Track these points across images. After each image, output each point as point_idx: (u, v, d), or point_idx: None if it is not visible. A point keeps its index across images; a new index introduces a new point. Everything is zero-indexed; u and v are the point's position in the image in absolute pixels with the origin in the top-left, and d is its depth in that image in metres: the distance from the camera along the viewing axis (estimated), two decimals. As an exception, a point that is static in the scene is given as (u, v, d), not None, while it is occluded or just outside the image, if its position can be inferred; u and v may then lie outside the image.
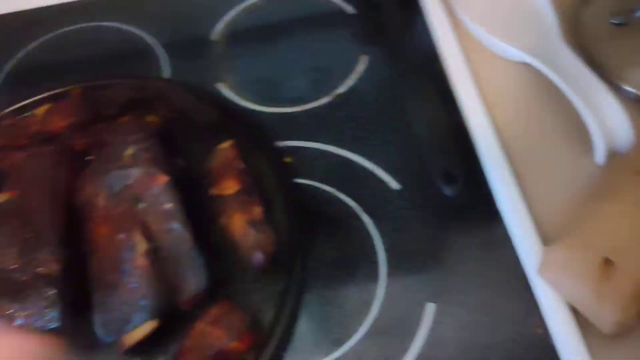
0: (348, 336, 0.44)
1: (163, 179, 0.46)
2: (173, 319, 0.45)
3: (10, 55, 0.64)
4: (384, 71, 0.58)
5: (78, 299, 0.44)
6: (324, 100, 0.57)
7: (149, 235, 0.45)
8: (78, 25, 0.66)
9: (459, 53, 0.56)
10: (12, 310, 0.42)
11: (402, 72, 0.56)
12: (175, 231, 0.45)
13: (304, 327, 0.45)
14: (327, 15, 0.63)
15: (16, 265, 0.44)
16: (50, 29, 0.66)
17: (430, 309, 0.45)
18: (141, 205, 0.46)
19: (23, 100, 0.57)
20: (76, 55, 0.64)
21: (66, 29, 0.66)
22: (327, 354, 0.44)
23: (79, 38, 0.65)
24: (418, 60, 0.56)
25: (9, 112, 0.57)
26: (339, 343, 0.44)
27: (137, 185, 0.47)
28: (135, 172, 0.47)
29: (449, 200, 0.49)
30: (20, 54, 0.64)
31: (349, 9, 0.64)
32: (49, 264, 0.44)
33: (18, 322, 0.42)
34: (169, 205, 0.46)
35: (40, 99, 0.57)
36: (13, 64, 0.64)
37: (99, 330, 0.43)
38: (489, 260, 0.47)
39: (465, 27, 0.59)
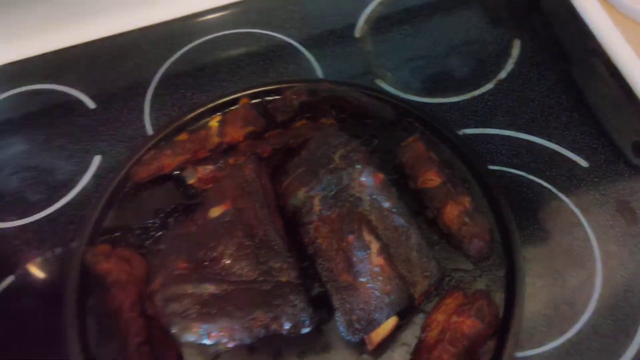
0: (578, 313, 0.46)
1: (380, 176, 0.47)
2: (406, 314, 0.46)
3: (150, 72, 0.64)
4: (540, 54, 0.59)
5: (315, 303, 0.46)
6: (487, 87, 0.58)
7: (377, 234, 0.46)
8: (210, 37, 0.66)
9: (614, 28, 0.58)
10: (264, 319, 0.43)
11: (566, 54, 0.57)
12: (401, 227, 0.46)
13: (531, 307, 0.46)
14: (469, 2, 0.64)
15: (255, 276, 0.45)
16: (189, 41, 0.66)
17: (652, 279, 0.46)
18: (363, 205, 0.47)
19: (187, 113, 0.58)
20: (223, 64, 0.64)
21: (205, 38, 0.66)
22: (562, 332, 0.45)
23: (216, 48, 0.65)
24: (578, 41, 0.57)
25: (178, 125, 0.57)
26: (570, 321, 0.45)
27: (353, 186, 0.48)
28: (350, 173, 0.48)
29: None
30: (161, 70, 0.64)
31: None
32: (286, 272, 0.45)
33: (272, 329, 0.43)
34: (390, 203, 0.47)
35: (206, 109, 0.58)
36: (157, 81, 0.63)
37: (345, 331, 0.44)
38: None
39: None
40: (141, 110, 0.61)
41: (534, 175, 0.52)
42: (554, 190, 0.51)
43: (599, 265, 0.47)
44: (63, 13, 0.65)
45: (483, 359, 0.44)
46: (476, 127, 0.55)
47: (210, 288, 0.45)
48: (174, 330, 0.43)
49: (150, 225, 0.53)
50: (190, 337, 0.43)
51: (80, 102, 0.62)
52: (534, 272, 0.48)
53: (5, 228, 0.55)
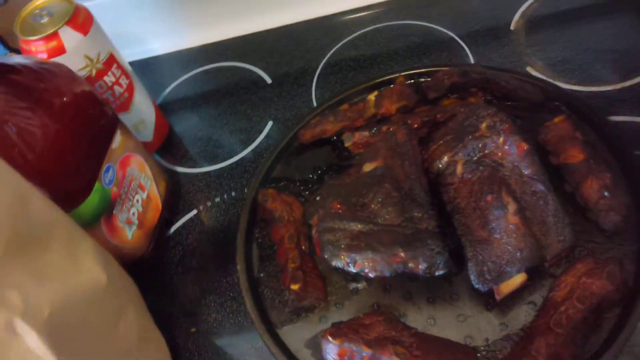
0: None
1: (524, 146, 0.51)
2: (535, 275, 0.49)
3: (320, 56, 0.74)
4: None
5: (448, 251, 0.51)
6: (638, 79, 0.59)
7: (515, 197, 0.50)
8: (376, 26, 0.74)
9: None
10: (404, 256, 0.49)
11: None
12: (540, 193, 0.50)
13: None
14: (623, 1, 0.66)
15: (399, 222, 0.51)
16: (350, 32, 0.75)
17: None
18: (503, 170, 0.51)
19: (346, 89, 0.66)
20: (380, 49, 0.72)
21: (365, 30, 0.74)
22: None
23: (379, 37, 0.73)
24: None
25: (341, 98, 0.65)
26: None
27: (496, 152, 0.52)
28: (494, 141, 0.52)
29: None
30: (329, 54, 0.74)
31: (647, -7, 0.66)
32: (426, 221, 0.51)
33: (409, 267, 0.49)
34: (532, 169, 0.50)
35: (367, 86, 0.65)
36: (325, 62, 0.73)
37: (476, 280, 0.48)
38: None
39: None
40: (309, 87, 0.71)
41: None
42: None
43: None
44: (251, 5, 0.78)
45: (606, 325, 0.46)
46: (623, 114, 0.57)
47: (359, 226, 0.52)
48: (326, 256, 0.51)
49: (309, 179, 0.62)
50: (338, 262, 0.50)
51: (260, 78, 0.74)
52: (672, 251, 0.48)
53: (194, 173, 0.68)
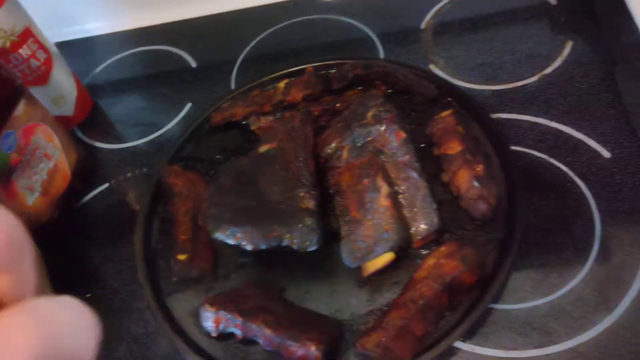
0: (565, 281, 0.49)
1: (402, 134, 0.54)
2: (403, 256, 0.52)
3: (244, 44, 0.77)
4: (589, 54, 0.62)
5: (326, 231, 0.53)
6: (532, 79, 0.62)
7: (389, 181, 0.53)
8: (300, 18, 0.77)
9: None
10: (279, 231, 0.52)
11: (612, 56, 0.60)
12: (412, 179, 0.53)
13: (523, 271, 0.50)
14: (530, 6, 0.69)
15: (282, 200, 0.54)
16: (276, 23, 0.78)
17: (646, 263, 0.48)
18: (382, 157, 0.54)
19: (262, 77, 0.69)
20: (300, 42, 0.75)
21: (290, 21, 0.77)
22: (545, 294, 0.48)
23: (302, 29, 0.76)
24: (626, 43, 0.60)
25: (253, 85, 0.68)
26: (556, 287, 0.48)
27: (378, 140, 0.55)
28: (377, 129, 0.55)
29: (663, 169, 0.52)
30: (252, 43, 0.77)
31: (553, 0, 0.69)
32: (306, 200, 0.53)
33: (285, 242, 0.52)
34: (407, 157, 0.54)
35: (278, 75, 0.68)
36: (247, 51, 0.76)
37: (346, 257, 0.52)
38: None
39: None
40: (230, 73, 0.74)
41: (555, 159, 0.55)
42: (570, 174, 0.54)
43: (595, 247, 0.50)
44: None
45: (463, 307, 0.49)
46: (510, 112, 0.60)
47: (244, 202, 0.54)
48: (208, 227, 0.53)
49: (216, 159, 0.64)
50: (219, 235, 0.53)
51: (186, 62, 0.77)
52: (531, 240, 0.51)
53: (111, 148, 0.70)
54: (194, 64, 0.77)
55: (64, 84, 0.68)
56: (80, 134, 0.73)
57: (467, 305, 0.48)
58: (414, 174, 0.53)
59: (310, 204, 0.53)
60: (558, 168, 0.55)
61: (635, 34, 0.61)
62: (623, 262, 0.49)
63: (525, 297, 0.49)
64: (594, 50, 0.62)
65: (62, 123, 0.65)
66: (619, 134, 0.56)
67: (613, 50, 0.60)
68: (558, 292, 0.48)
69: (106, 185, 0.67)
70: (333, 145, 0.57)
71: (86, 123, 0.73)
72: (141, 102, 0.74)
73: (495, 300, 0.49)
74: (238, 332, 0.50)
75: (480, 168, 0.54)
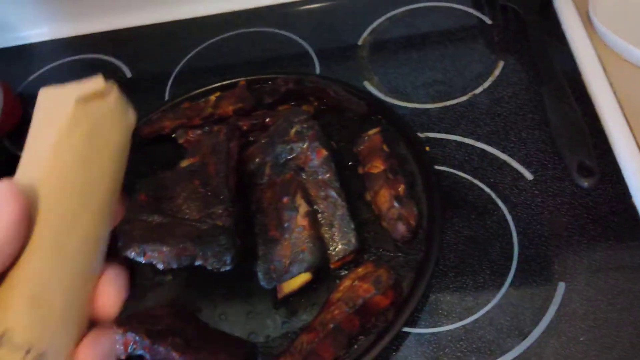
0: (480, 305, 0.48)
1: (323, 152, 0.53)
2: (322, 277, 0.51)
3: (182, 55, 0.76)
4: (519, 75, 0.62)
5: (244, 249, 0.52)
6: (461, 99, 0.62)
7: (309, 200, 0.52)
8: (240, 31, 0.76)
9: (596, 60, 0.60)
10: (192, 250, 0.50)
11: (541, 76, 0.60)
12: (331, 198, 0.52)
13: (438, 294, 0.49)
14: (465, 26, 0.69)
15: (198, 217, 0.52)
16: (215, 34, 0.77)
17: (560, 287, 0.48)
18: (303, 175, 0.53)
19: (197, 89, 0.67)
20: (238, 55, 0.74)
21: (230, 33, 0.76)
22: (460, 318, 0.48)
23: (241, 42, 0.75)
24: (556, 66, 0.60)
25: (185, 98, 0.67)
26: (471, 311, 0.48)
27: (300, 157, 0.54)
28: (299, 146, 0.54)
29: (583, 192, 0.52)
30: (190, 54, 0.75)
31: (487, 20, 0.69)
32: (223, 218, 0.52)
33: (198, 262, 0.50)
34: (327, 176, 0.52)
35: (211, 88, 0.67)
36: (184, 62, 0.75)
37: (261, 278, 0.50)
38: (622, 249, 0.49)
39: (598, 31, 0.61)
40: (165, 85, 0.72)
41: (478, 180, 0.55)
42: (493, 195, 0.54)
43: (513, 270, 0.49)
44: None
45: (377, 330, 0.48)
46: (439, 132, 0.59)
47: (158, 219, 0.53)
48: (119, 244, 0.52)
49: (141, 172, 0.62)
50: (130, 252, 0.51)
51: (121, 71, 0.75)
52: (450, 263, 0.51)
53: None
54: (129, 74, 0.75)
55: (-12, 93, 0.66)
56: (7, 144, 0.70)
57: (381, 328, 0.47)
58: (333, 193, 0.52)
59: (227, 221, 0.52)
60: (481, 189, 0.54)
61: (566, 56, 0.61)
62: (539, 286, 0.48)
63: (439, 321, 0.48)
64: (525, 71, 0.62)
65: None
66: (542, 155, 0.56)
67: (542, 71, 0.60)
68: (472, 316, 0.48)
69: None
70: (257, 161, 0.56)
71: (14, 132, 0.71)
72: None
73: (410, 323, 0.48)
74: (146, 355, 0.48)
75: (401, 188, 0.53)
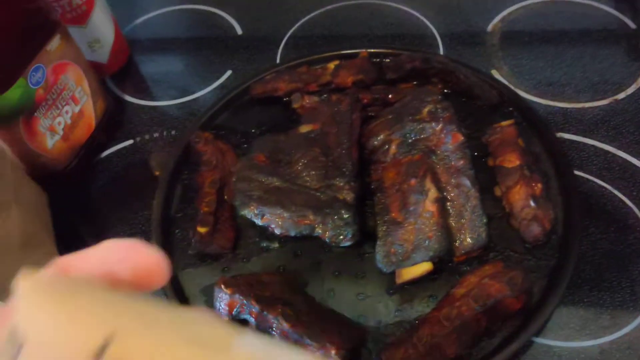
0: (619, 325, 0.44)
1: (459, 137, 0.50)
2: (443, 269, 0.48)
3: (295, 19, 0.72)
4: (667, 85, 0.58)
5: (362, 227, 0.49)
6: (601, 103, 0.57)
7: (439, 186, 0.49)
8: (359, 1, 0.73)
9: None
10: (312, 219, 0.48)
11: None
12: (464, 187, 0.48)
13: (571, 307, 0.46)
14: (606, 27, 0.64)
15: (318, 186, 0.50)
16: (332, 1, 0.73)
17: None
18: (434, 158, 0.50)
19: (316, 54, 0.64)
20: (355, 26, 0.70)
21: (348, 2, 0.73)
22: (594, 337, 0.44)
23: (358, 13, 0.72)
24: None
25: (302, 61, 0.64)
26: (608, 330, 0.44)
27: (432, 139, 0.50)
28: (433, 127, 0.51)
29: None
30: (304, 19, 0.72)
31: (631, 24, 0.64)
32: (345, 192, 0.49)
33: (317, 232, 0.48)
34: (461, 162, 0.49)
35: (330, 55, 0.64)
36: (298, 26, 0.72)
37: (380, 260, 0.47)
38: None
39: None
40: (277, 46, 0.69)
41: (619, 192, 0.51)
42: (635, 210, 0.50)
43: (653, 291, 0.45)
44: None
45: (502, 334, 0.44)
46: (575, 134, 0.55)
47: (277, 182, 0.50)
48: (236, 203, 0.49)
49: (251, 132, 0.60)
50: (247, 212, 0.49)
51: (231, 27, 0.73)
52: (585, 275, 0.47)
53: (141, 104, 0.66)
54: (239, 31, 0.72)
55: (102, 28, 0.64)
56: (111, 85, 0.69)
57: (507, 333, 0.44)
58: (467, 182, 0.48)
59: (349, 196, 0.49)
60: (622, 201, 0.50)
61: None
62: (682, 314, 0.44)
63: (570, 335, 0.44)
64: (673, 82, 0.58)
65: (95, 70, 0.61)
66: (692, 175, 0.51)
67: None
68: (609, 336, 0.44)
69: (130, 142, 0.62)
70: (381, 137, 0.53)
71: (119, 74, 0.69)
72: (179, 62, 0.70)
73: (538, 333, 0.44)
74: (252, 321, 0.46)
75: (538, 187, 0.49)
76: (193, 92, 0.66)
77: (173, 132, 0.63)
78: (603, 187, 0.51)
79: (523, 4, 0.68)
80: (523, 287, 0.44)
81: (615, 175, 0.52)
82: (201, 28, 0.73)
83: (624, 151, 0.53)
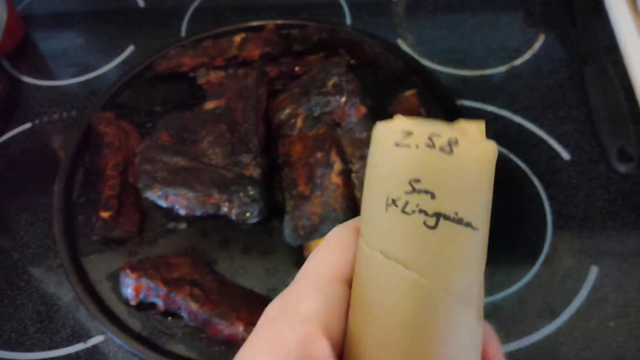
0: (511, 282, 0.47)
1: (362, 110, 0.50)
2: (350, 238, 0.49)
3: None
4: (560, 50, 0.60)
5: (269, 204, 0.49)
6: (500, 69, 0.59)
7: (344, 158, 0.49)
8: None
9: (637, 36, 0.58)
10: (218, 198, 0.47)
11: (583, 54, 0.58)
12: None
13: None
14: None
15: (224, 164, 0.49)
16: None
17: (593, 271, 0.47)
18: (339, 130, 0.50)
19: (221, 27, 0.63)
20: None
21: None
22: (487, 295, 0.46)
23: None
24: (599, 44, 0.58)
25: (207, 35, 0.62)
26: (501, 287, 0.47)
27: (337, 112, 0.51)
28: (337, 100, 0.51)
29: (620, 177, 0.51)
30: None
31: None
32: (251, 168, 0.49)
33: (223, 211, 0.48)
34: (365, 134, 0.50)
35: (236, 28, 0.62)
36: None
37: (288, 234, 0.48)
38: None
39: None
40: (181, 19, 0.67)
41: (514, 155, 0.53)
42: (528, 172, 0.52)
43: (545, 249, 0.48)
44: None
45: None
46: (475, 100, 0.57)
47: (182, 162, 0.49)
48: (139, 185, 0.48)
49: (155, 111, 0.58)
50: (151, 194, 0.48)
51: (133, 0, 0.70)
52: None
53: (39, 85, 0.63)
54: (142, 3, 0.69)
55: (-10, 4, 0.60)
56: (6, 65, 0.64)
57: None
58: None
59: (256, 172, 0.49)
60: (516, 164, 0.53)
61: (610, 36, 0.59)
62: (571, 268, 0.47)
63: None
64: (566, 47, 0.61)
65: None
66: (580, 136, 0.54)
67: (585, 49, 0.58)
68: (502, 293, 0.46)
69: (29, 125, 0.59)
70: (287, 111, 0.52)
71: (14, 53, 0.65)
72: (78, 38, 0.67)
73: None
74: (160, 303, 0.45)
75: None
76: (94, 70, 0.63)
77: (73, 113, 0.60)
78: (500, 151, 0.54)
79: (428, -28, 0.69)
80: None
81: (510, 140, 0.54)
82: (101, 1, 0.70)
83: (519, 116, 0.56)
